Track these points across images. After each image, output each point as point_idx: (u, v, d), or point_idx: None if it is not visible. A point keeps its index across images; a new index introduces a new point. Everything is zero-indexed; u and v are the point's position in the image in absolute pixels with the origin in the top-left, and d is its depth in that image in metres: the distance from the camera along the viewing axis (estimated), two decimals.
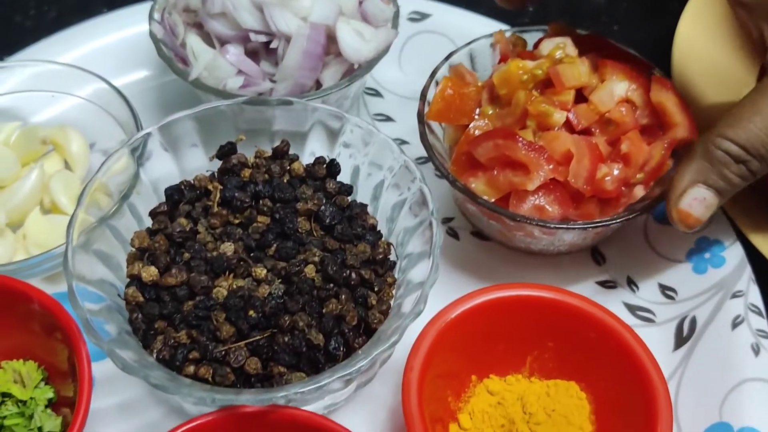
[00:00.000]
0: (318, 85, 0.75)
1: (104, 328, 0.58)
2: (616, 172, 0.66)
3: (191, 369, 0.59)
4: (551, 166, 0.65)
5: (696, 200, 0.62)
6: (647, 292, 0.73)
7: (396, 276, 0.66)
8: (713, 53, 0.83)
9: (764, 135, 0.60)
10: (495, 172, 0.67)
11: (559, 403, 0.64)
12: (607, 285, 0.74)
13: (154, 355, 0.59)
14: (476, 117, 0.70)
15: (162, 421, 0.66)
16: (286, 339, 0.59)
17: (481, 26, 0.84)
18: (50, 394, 0.63)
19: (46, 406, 0.63)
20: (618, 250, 0.76)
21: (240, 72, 0.73)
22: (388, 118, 0.86)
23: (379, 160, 0.69)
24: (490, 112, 0.70)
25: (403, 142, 0.81)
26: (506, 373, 0.67)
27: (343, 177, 0.70)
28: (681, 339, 0.70)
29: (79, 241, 0.61)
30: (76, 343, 0.59)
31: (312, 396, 0.61)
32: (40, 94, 0.79)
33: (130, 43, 0.87)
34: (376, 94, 0.87)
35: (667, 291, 0.73)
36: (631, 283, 0.74)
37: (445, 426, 0.63)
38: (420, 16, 0.90)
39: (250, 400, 0.56)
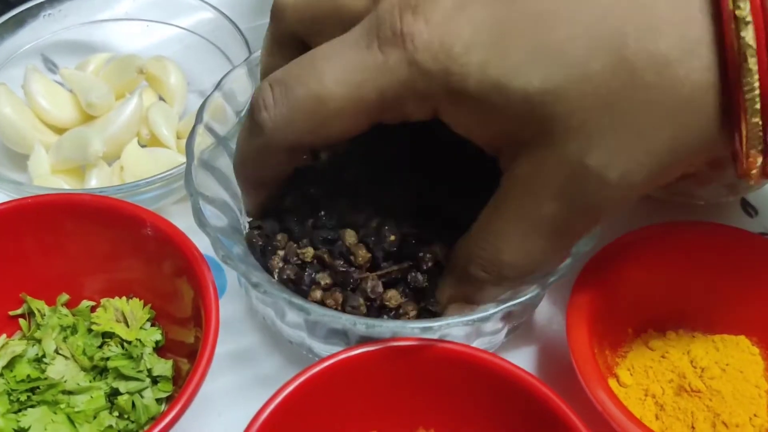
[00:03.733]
0: None
1: (232, 250, 0.50)
2: None
3: (317, 294, 0.50)
4: None
5: (462, 311, 0.50)
6: None
7: None
8: None
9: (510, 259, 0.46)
10: None
11: (731, 357, 0.56)
12: (765, 237, 0.67)
13: (276, 275, 0.51)
14: None
15: (276, 372, 0.58)
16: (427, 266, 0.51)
17: None
18: (158, 336, 0.55)
19: (153, 349, 0.55)
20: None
21: None
22: None
23: None
24: None
25: None
26: (665, 328, 0.59)
27: None
28: None
29: (199, 158, 0.54)
30: (199, 271, 0.51)
31: (461, 335, 0.53)
32: (134, 23, 0.72)
33: None
34: None
35: None
36: None
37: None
38: None
39: (407, 330, 0.48)
